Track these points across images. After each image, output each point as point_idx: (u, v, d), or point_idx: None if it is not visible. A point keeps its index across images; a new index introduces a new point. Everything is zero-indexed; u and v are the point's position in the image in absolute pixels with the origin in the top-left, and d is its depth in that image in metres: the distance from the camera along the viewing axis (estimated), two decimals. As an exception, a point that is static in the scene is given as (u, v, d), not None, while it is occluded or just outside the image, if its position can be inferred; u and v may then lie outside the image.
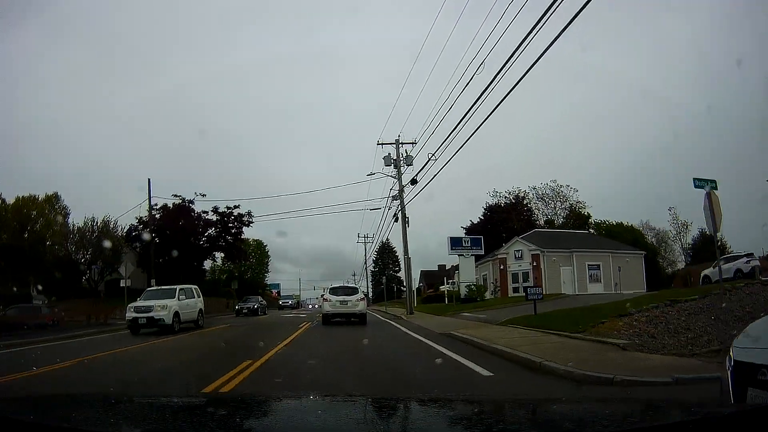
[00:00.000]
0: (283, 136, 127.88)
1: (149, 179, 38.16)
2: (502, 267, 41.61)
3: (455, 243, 33.76)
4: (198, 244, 42.62)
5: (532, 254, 41.72)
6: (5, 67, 64.36)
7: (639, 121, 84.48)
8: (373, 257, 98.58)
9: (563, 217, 73.51)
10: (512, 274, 41.80)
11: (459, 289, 33.76)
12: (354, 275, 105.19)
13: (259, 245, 67.99)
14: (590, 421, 2.00)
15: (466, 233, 76.04)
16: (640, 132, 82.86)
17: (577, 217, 71.32)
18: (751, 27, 68.35)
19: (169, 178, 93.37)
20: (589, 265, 45.91)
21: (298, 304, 61.67)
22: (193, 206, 42.96)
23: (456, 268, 75.05)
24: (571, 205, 73.94)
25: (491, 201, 72.38)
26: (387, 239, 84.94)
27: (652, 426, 1.78)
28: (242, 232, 44.49)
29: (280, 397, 2.90)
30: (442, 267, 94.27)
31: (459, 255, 33.38)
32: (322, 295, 24.07)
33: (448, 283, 71.13)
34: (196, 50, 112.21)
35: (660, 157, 79.85)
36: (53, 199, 39.40)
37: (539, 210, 75.88)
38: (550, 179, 75.70)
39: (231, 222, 43.87)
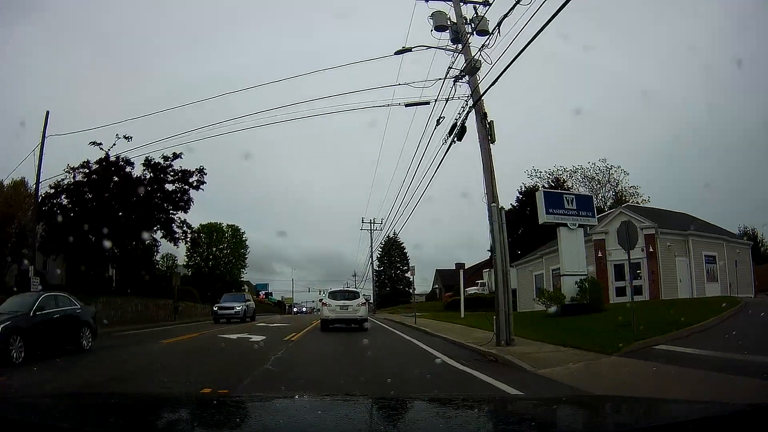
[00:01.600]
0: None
1: (47, 111, 23.10)
2: (600, 254, 25.82)
3: (552, 202, 18.02)
4: (131, 217, 26.88)
5: (645, 234, 25.96)
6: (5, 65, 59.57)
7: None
8: (376, 253, 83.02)
9: (607, 207, 58.76)
10: (614, 265, 26.01)
11: (562, 286, 18.10)
12: (354, 275, 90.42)
13: (235, 232, 52.30)
14: (591, 420, 2.01)
15: (496, 222, 60.78)
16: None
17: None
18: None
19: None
20: (706, 256, 30.40)
21: (285, 308, 46.03)
22: (131, 167, 27.38)
23: (486, 265, 59.32)
24: (617, 192, 58.50)
25: (529, 182, 57.16)
26: (395, 233, 69.61)
27: (652, 426, 1.75)
28: (190, 198, 28.60)
29: None
30: (460, 266, 78.22)
31: (559, 224, 17.76)
32: (321, 300, 22.55)
33: (477, 284, 55.53)
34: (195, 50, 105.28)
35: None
36: (20, 186, 30.62)
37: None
38: (600, 158, 60.60)
39: (170, 180, 28.06)
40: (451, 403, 2.39)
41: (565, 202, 18.51)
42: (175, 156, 27.07)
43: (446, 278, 71.39)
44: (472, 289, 53.61)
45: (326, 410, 2.18)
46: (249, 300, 27.89)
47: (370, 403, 2.41)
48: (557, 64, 73.45)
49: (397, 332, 17.47)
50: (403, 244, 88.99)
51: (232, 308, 25.51)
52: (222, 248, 51.06)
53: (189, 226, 28.93)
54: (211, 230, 51.09)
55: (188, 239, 29.08)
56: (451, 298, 52.67)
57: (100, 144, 25.99)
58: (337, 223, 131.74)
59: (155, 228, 28.64)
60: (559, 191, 19.57)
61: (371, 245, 48.47)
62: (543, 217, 17.72)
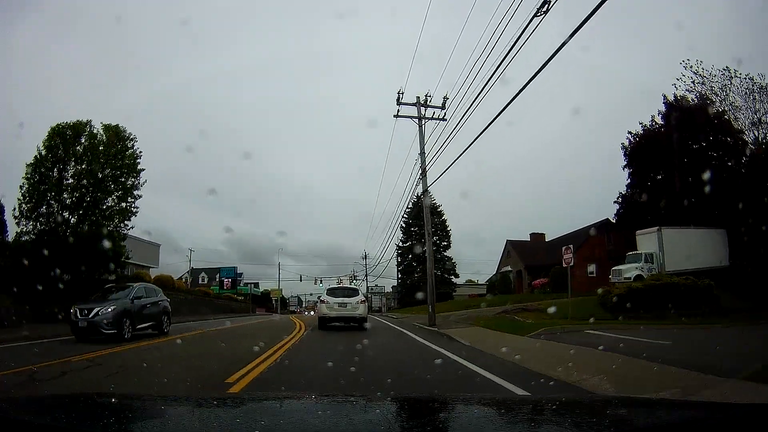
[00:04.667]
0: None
1: None
2: None
3: None
4: None
5: None
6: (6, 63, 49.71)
7: None
8: (401, 224, 54.45)
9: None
10: None
11: None
12: (365, 257, 66.36)
13: (116, 136, 23.98)
14: (593, 420, 1.96)
15: (629, 154, 33.45)
16: None
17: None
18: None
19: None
20: None
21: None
22: None
23: (622, 226, 29.78)
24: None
25: (680, 86, 31.88)
26: (424, 193, 40.41)
27: (653, 426, 1.72)
28: None
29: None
30: (538, 237, 49.32)
31: None
32: (319, 297, 21.86)
33: (631, 261, 26.80)
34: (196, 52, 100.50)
35: None
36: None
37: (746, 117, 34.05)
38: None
39: None
40: (451, 403, 2.40)
41: None
42: None
43: (528, 255, 42.58)
44: (628, 270, 25.15)
45: None
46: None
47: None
48: None
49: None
50: (441, 208, 59.85)
51: None
52: (90, 170, 22.77)
53: None
54: (67, 133, 23.14)
55: None
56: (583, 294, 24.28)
57: None
58: (335, 215, 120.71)
59: None
60: None
61: (422, 141, 19.83)
62: None
